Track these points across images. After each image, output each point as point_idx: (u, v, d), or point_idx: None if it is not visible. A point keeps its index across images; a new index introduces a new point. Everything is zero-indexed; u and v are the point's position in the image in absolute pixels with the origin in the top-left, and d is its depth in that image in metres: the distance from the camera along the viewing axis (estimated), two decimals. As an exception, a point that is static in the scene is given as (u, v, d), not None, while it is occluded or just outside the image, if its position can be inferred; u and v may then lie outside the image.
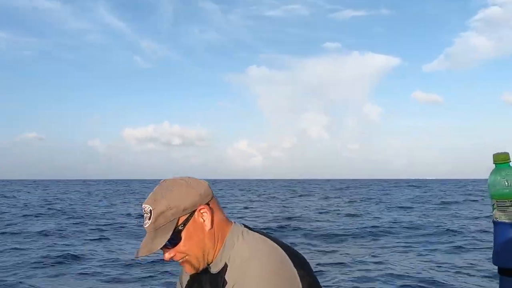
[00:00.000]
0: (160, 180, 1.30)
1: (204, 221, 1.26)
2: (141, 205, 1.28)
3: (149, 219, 1.23)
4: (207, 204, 1.26)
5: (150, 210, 1.23)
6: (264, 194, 42.31)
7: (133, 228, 14.62)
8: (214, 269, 1.29)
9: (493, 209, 1.30)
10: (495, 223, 1.30)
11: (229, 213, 18.81)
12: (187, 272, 1.29)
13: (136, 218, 17.95)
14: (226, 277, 1.23)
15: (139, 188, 63.34)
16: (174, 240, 1.22)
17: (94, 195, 41.92)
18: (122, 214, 20.09)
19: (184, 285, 1.42)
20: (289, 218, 17.68)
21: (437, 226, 14.52)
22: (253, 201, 30.94)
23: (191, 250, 1.25)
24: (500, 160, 1.29)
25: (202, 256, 1.26)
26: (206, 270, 1.32)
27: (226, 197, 36.24)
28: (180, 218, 1.23)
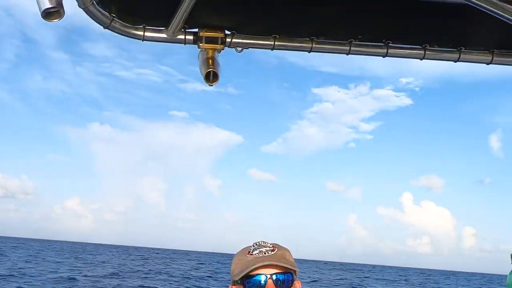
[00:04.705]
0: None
1: None
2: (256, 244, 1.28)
3: (273, 251, 1.25)
4: None
5: (273, 247, 1.26)
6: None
7: None
8: None
9: None
10: None
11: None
12: None
13: None
14: None
15: None
16: (291, 281, 1.25)
17: None
18: None
19: None
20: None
21: None
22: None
23: None
24: None
25: None
26: None
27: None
28: (296, 272, 1.30)
